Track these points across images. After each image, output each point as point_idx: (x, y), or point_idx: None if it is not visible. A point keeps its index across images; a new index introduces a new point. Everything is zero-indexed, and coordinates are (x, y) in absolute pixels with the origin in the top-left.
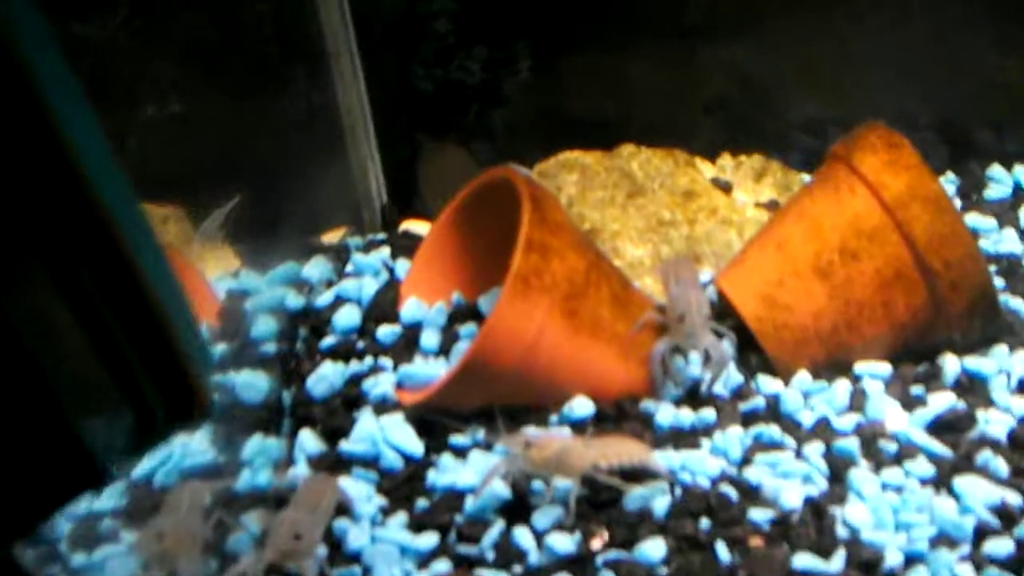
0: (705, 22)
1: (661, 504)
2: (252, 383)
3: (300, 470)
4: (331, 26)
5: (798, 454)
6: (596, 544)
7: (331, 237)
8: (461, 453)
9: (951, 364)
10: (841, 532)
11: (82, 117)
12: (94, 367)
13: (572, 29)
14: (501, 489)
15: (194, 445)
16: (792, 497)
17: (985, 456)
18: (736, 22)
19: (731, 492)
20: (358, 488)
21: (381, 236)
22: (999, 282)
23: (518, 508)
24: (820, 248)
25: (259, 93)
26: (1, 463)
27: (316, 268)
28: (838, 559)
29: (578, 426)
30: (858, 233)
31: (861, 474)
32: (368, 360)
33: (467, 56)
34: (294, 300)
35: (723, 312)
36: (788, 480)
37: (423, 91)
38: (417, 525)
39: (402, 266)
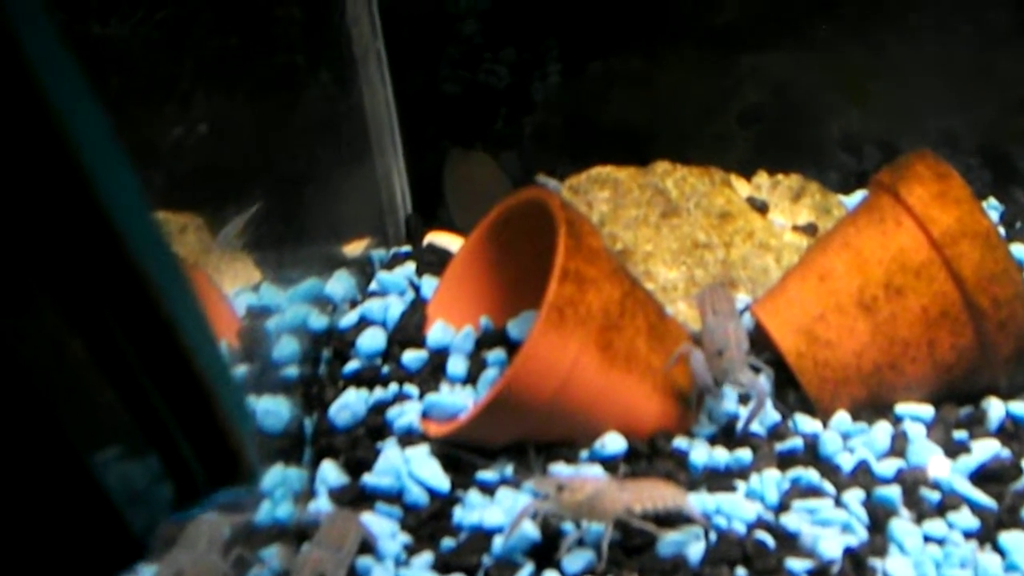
0: (743, 30)
1: (695, 551)
2: (273, 409)
3: (322, 503)
4: (359, 29)
5: (837, 501)
6: None
7: (354, 248)
8: (489, 490)
9: (996, 409)
10: None
11: (109, 156)
12: (129, 431)
13: (603, 33)
14: (530, 530)
15: None
16: (831, 547)
17: None
18: (775, 32)
19: (768, 539)
20: (382, 524)
21: (406, 249)
22: None
23: (548, 551)
24: (864, 282)
25: (282, 98)
26: (32, 539)
27: (339, 284)
28: None
29: (609, 463)
30: (904, 268)
31: (902, 525)
32: (393, 387)
33: (495, 59)
34: (317, 320)
35: (759, 344)
36: (827, 528)
37: (450, 95)
38: (443, 566)
39: (428, 283)
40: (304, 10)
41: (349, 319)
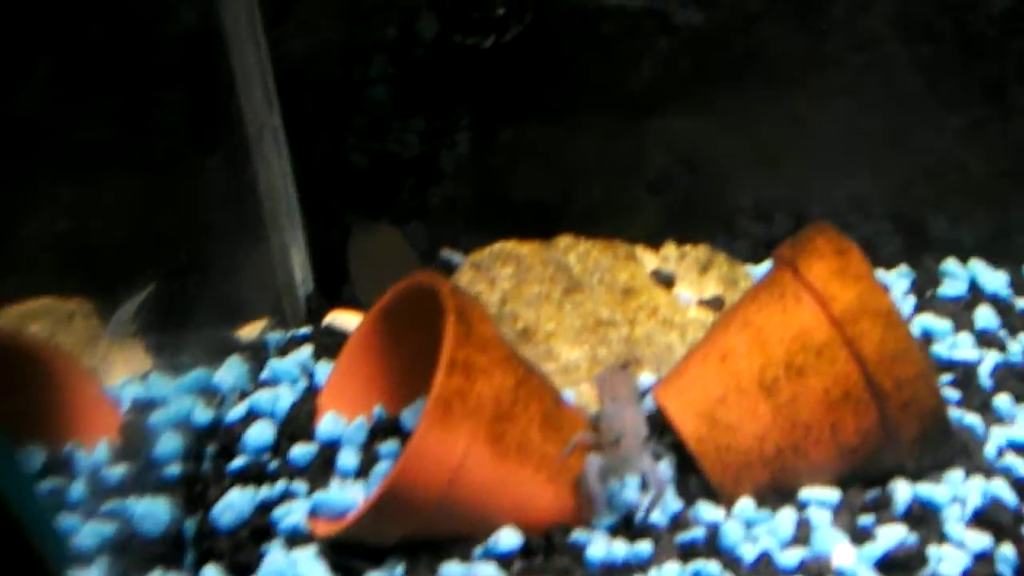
0: (652, 99)
1: None
2: (152, 512)
3: None
4: (251, 103)
5: None
6: None
7: (251, 330)
8: None
9: (902, 491)
10: None
11: None
12: None
13: (513, 101)
14: None
15: None
16: None
17: None
18: (684, 100)
19: None
20: None
21: (305, 331)
22: (953, 395)
23: None
24: (765, 362)
25: (170, 179)
26: None
27: (230, 373)
28: None
29: (505, 560)
30: (805, 347)
31: None
32: (280, 484)
33: (404, 128)
34: (202, 413)
35: (662, 427)
36: None
37: (356, 166)
38: None
39: (323, 369)
40: (188, 93)
41: (237, 412)
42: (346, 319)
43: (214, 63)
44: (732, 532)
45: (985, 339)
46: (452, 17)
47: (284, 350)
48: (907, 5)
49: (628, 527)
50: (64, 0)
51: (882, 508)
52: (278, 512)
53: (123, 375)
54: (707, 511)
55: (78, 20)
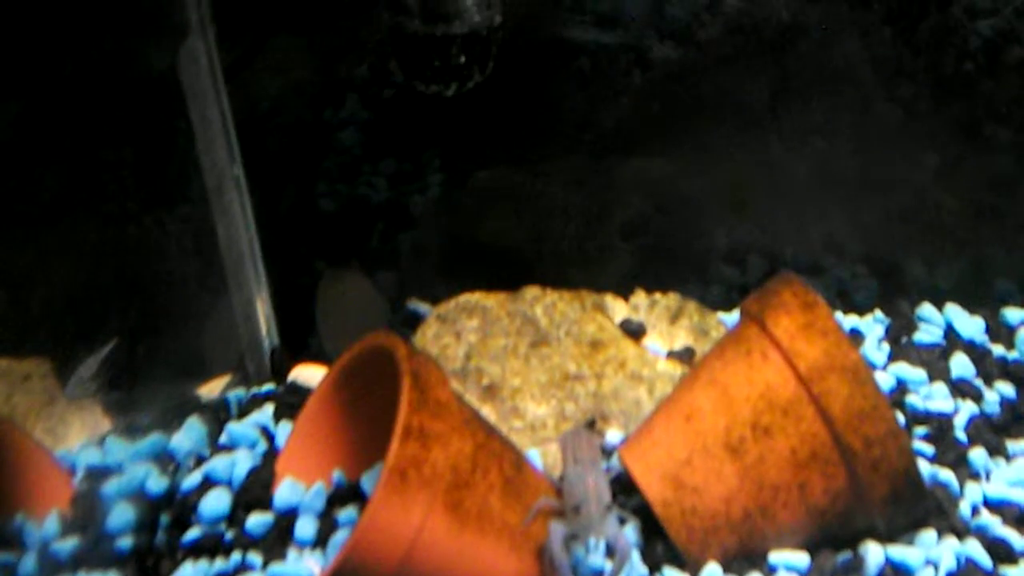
0: (625, 142)
1: None
2: None
3: None
4: (211, 154)
5: None
6: None
7: (213, 387)
8: None
9: (874, 554)
10: None
11: None
12: None
13: (485, 144)
14: None
15: None
16: None
17: None
18: (656, 143)
19: None
20: None
21: (268, 388)
22: (927, 449)
23: None
24: (731, 422)
25: (129, 231)
26: None
27: (187, 437)
28: None
29: None
30: (771, 406)
31: None
32: (235, 556)
33: (373, 171)
34: (157, 481)
35: (629, 488)
36: None
37: (325, 211)
38: None
39: (284, 430)
40: (145, 145)
41: (192, 480)
42: (312, 374)
43: (171, 114)
44: None
45: (960, 389)
46: (413, 65)
47: (244, 411)
48: (880, 44)
49: None
50: (14, 54)
51: (853, 572)
52: None
53: (80, 437)
54: None
55: (27, 73)
